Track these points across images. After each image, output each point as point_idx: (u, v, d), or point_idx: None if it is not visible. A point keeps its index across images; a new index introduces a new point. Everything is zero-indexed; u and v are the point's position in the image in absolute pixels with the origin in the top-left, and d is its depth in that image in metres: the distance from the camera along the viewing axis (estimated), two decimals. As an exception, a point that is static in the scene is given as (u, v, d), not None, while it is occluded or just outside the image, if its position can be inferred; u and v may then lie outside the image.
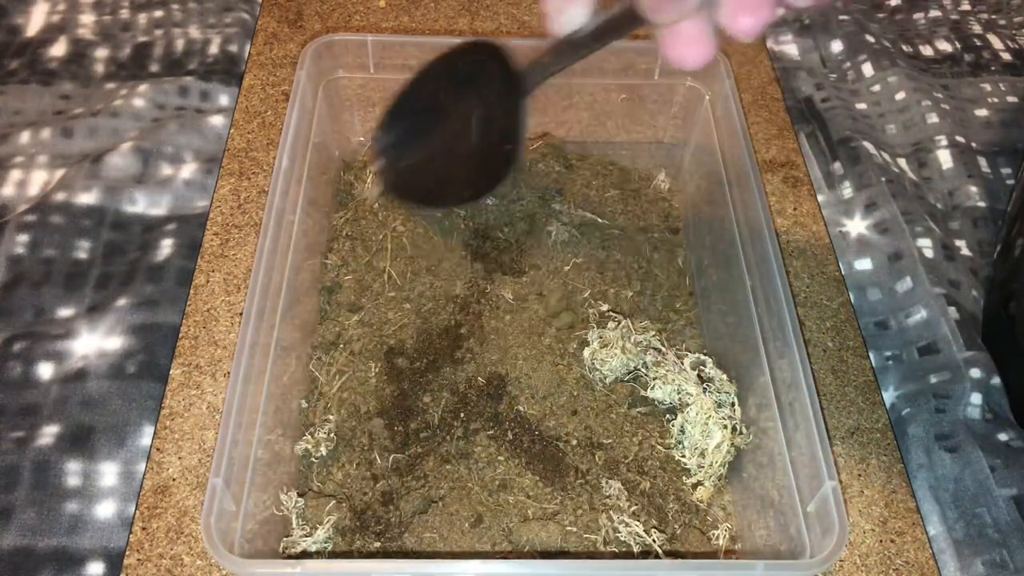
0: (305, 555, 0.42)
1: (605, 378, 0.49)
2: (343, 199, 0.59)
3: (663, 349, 0.50)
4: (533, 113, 0.62)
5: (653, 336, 0.50)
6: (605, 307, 0.52)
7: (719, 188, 0.52)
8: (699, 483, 0.46)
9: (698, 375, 0.48)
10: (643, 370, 0.49)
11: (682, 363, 0.49)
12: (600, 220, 0.57)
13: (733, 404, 0.47)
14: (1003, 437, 0.48)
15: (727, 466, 0.46)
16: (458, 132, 0.44)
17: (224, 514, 0.36)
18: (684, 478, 0.46)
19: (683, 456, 0.46)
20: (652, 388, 0.48)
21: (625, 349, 0.49)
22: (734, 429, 0.46)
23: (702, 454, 0.46)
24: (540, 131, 0.62)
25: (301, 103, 0.51)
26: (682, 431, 0.47)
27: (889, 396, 0.51)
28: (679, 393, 0.48)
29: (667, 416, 0.48)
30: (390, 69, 0.57)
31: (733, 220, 0.49)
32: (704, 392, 0.47)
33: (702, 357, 0.49)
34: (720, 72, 0.54)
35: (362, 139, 0.62)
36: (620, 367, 0.49)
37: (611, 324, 0.51)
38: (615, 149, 0.62)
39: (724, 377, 0.48)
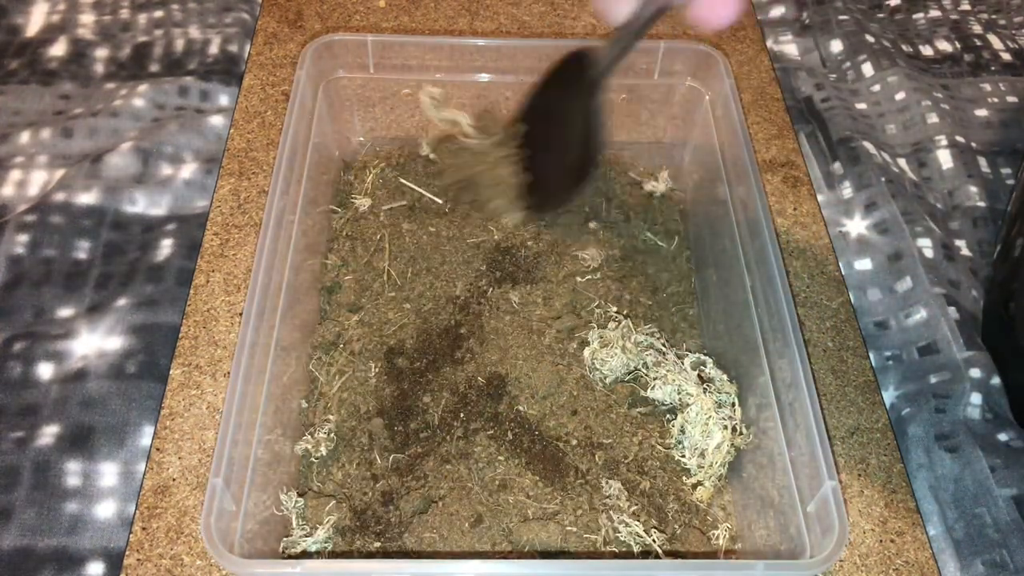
0: (305, 555, 0.42)
1: (605, 378, 0.49)
2: (343, 199, 0.59)
3: (663, 349, 0.50)
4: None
5: (654, 336, 0.50)
6: (614, 309, 0.52)
7: (719, 188, 0.52)
8: (699, 483, 0.46)
9: (698, 375, 0.48)
10: (643, 370, 0.49)
11: (682, 363, 0.49)
12: (628, 225, 0.57)
13: (733, 404, 0.47)
14: (1003, 437, 0.48)
15: (727, 466, 0.46)
16: (550, 141, 0.48)
17: (224, 514, 0.35)
18: (684, 478, 0.46)
19: (683, 456, 0.46)
20: (652, 388, 0.48)
21: (625, 349, 0.49)
22: (734, 429, 0.46)
23: (702, 454, 0.46)
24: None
25: (301, 103, 0.51)
26: (682, 431, 0.47)
27: (889, 396, 0.51)
28: (679, 393, 0.48)
29: (667, 416, 0.48)
30: (390, 69, 0.57)
31: (733, 220, 0.49)
32: (704, 392, 0.47)
33: (702, 357, 0.49)
34: (720, 71, 0.54)
35: (362, 139, 0.62)
36: (620, 367, 0.49)
37: (611, 324, 0.51)
38: (617, 149, 0.62)
39: (724, 377, 0.48)
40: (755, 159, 0.49)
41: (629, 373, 0.50)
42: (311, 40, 0.55)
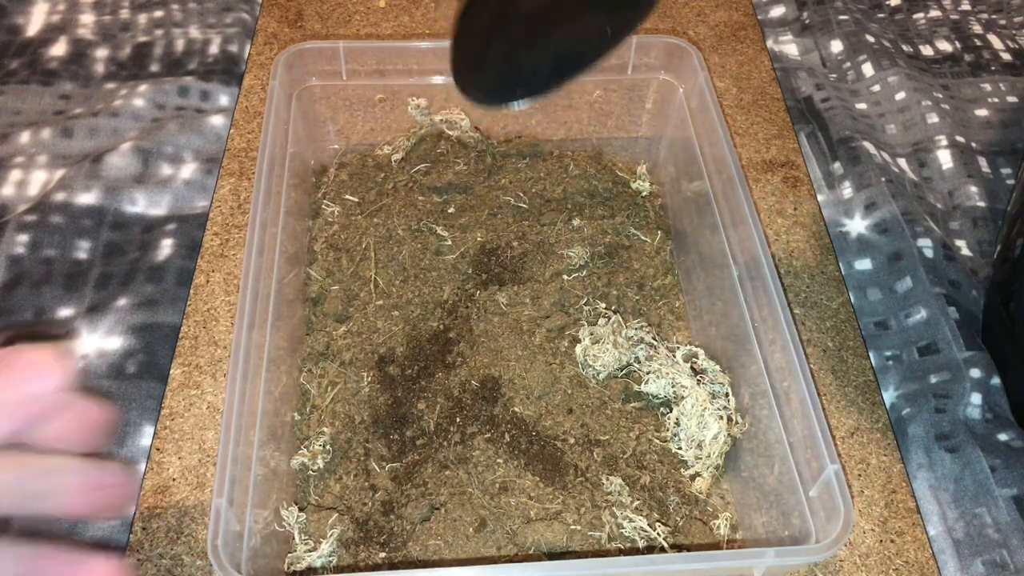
0: (311, 571, 0.42)
1: (598, 374, 0.49)
2: (318, 208, 0.58)
3: (654, 343, 0.50)
4: (516, 117, 0.61)
5: (644, 331, 0.50)
6: (603, 305, 0.52)
7: (699, 179, 0.52)
8: (697, 475, 0.46)
9: (691, 367, 0.48)
10: (636, 365, 0.49)
11: (674, 356, 0.49)
12: (612, 221, 0.57)
13: (727, 395, 0.47)
14: (1003, 437, 0.48)
15: (724, 456, 0.46)
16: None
17: (230, 535, 0.35)
18: (682, 470, 0.46)
19: (680, 449, 0.46)
20: (646, 383, 0.48)
21: (616, 344, 0.49)
22: (730, 419, 0.46)
23: (699, 445, 0.46)
24: (516, 131, 0.62)
25: (276, 113, 0.51)
26: (677, 424, 0.47)
27: (889, 396, 0.51)
28: (673, 386, 0.48)
29: (662, 409, 0.48)
30: (362, 75, 0.57)
31: (715, 211, 0.50)
32: (698, 384, 0.47)
33: (693, 349, 0.49)
34: (693, 64, 0.54)
35: (336, 146, 0.61)
36: (613, 362, 0.49)
37: (601, 320, 0.51)
38: (593, 145, 0.62)
39: (717, 368, 0.48)
40: (735, 150, 0.49)
41: (622, 368, 0.50)
42: (284, 48, 0.55)
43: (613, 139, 0.63)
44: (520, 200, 0.58)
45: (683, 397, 0.47)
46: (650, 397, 0.49)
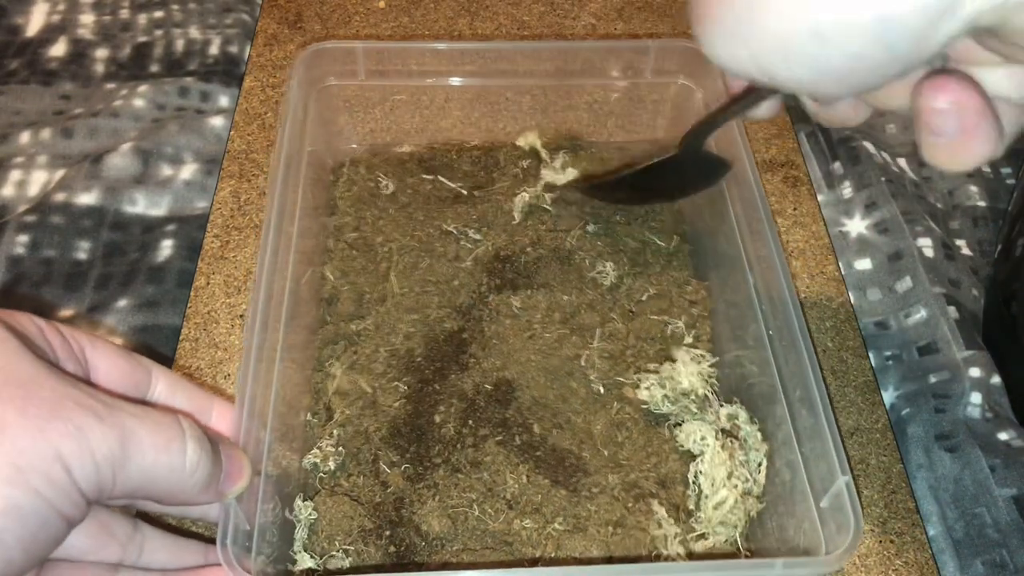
0: (322, 570, 0.41)
1: (608, 381, 0.49)
2: (333, 207, 0.58)
3: (710, 397, 0.47)
4: (532, 115, 0.62)
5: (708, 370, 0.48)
6: (615, 313, 0.52)
7: (716, 187, 0.52)
8: (701, 535, 0.43)
9: (729, 426, 0.46)
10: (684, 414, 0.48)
11: (718, 414, 0.46)
12: (628, 226, 0.57)
13: (760, 464, 0.44)
14: (1003, 437, 0.48)
15: (739, 526, 0.43)
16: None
17: (240, 534, 0.35)
18: (693, 523, 0.44)
19: (694, 506, 0.44)
20: (679, 432, 0.46)
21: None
22: (747, 493, 0.43)
23: (714, 507, 0.43)
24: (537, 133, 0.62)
25: (294, 113, 0.51)
26: (696, 479, 0.45)
27: (889, 396, 0.51)
28: (700, 439, 0.46)
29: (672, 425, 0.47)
30: (380, 75, 0.57)
31: (732, 218, 0.49)
32: (722, 448, 0.44)
33: (738, 410, 0.46)
34: (712, 69, 0.54)
35: (354, 146, 0.61)
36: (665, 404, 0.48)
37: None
38: (612, 149, 0.62)
39: (758, 435, 0.45)
40: (752, 156, 0.49)
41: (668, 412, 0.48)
42: (305, 45, 0.55)
43: (632, 143, 0.62)
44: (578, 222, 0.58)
45: (703, 453, 0.45)
46: (650, 406, 0.48)
